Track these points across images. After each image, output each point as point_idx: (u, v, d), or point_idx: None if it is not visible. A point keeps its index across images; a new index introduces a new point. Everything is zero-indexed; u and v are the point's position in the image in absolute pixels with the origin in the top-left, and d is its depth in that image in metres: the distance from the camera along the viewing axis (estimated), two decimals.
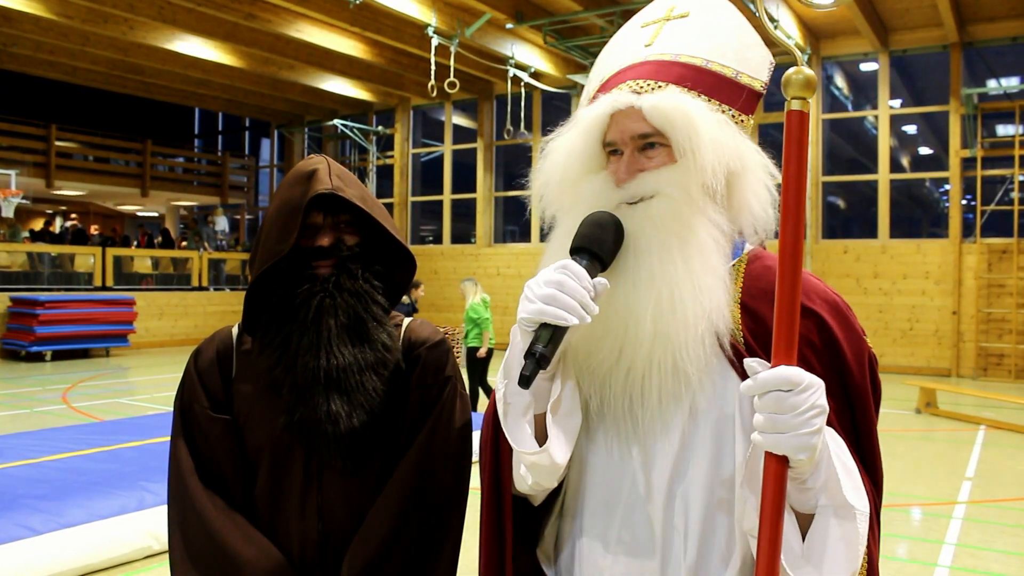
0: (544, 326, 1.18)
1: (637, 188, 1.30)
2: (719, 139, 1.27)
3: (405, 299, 10.43)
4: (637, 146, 1.32)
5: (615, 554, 1.33)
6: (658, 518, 1.30)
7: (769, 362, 1.13)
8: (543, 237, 1.49)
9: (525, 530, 1.45)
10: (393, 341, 1.70)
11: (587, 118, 1.35)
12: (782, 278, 1.11)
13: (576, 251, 1.26)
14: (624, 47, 1.45)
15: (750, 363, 1.13)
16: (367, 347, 1.64)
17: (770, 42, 1.39)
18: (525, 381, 1.15)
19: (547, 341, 1.17)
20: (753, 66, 1.39)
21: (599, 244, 1.25)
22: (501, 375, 1.31)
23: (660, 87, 1.32)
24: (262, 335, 1.67)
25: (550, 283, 1.19)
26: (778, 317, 1.12)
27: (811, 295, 1.34)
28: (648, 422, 1.30)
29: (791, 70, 1.12)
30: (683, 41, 1.38)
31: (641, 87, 1.33)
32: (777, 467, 1.10)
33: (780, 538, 1.10)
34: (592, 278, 1.22)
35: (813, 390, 1.10)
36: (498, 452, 1.39)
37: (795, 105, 1.11)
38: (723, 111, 1.33)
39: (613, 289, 1.27)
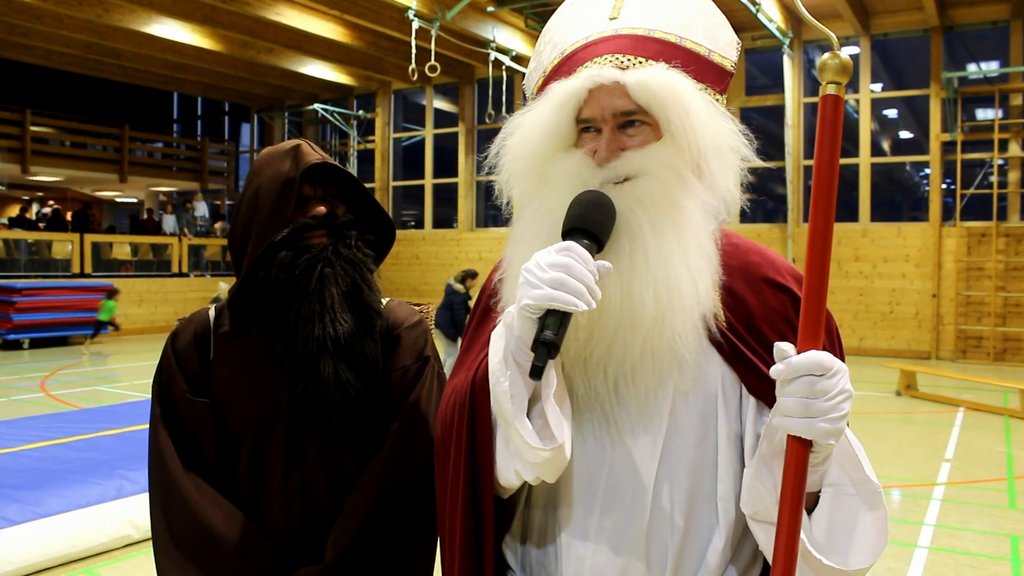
0: (551, 312, 1.11)
1: (621, 167, 1.24)
2: (708, 119, 1.24)
3: (460, 288, 10.26)
4: (617, 123, 1.26)
5: (596, 542, 1.30)
6: (645, 502, 1.28)
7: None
8: None
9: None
10: (382, 309, 1.74)
11: (562, 92, 1.26)
12: (811, 263, 1.10)
13: (572, 232, 1.19)
14: (582, 18, 1.37)
15: (782, 347, 1.11)
16: (364, 314, 1.67)
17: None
18: (537, 372, 1.09)
19: (556, 328, 1.10)
20: (722, 45, 1.35)
21: (597, 225, 1.19)
22: (502, 367, 1.20)
23: (641, 63, 1.26)
24: (259, 312, 1.66)
25: (556, 266, 1.12)
26: (806, 302, 1.11)
27: (781, 271, 1.35)
28: (638, 406, 1.27)
29: (826, 55, 1.12)
30: (653, 16, 1.32)
31: (623, 62, 1.26)
32: (801, 451, 1.11)
33: (800, 520, 1.11)
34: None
35: (842, 375, 1.10)
36: (474, 446, 1.29)
37: (831, 89, 1.11)
38: (701, 88, 1.29)
39: (610, 272, 1.22)
